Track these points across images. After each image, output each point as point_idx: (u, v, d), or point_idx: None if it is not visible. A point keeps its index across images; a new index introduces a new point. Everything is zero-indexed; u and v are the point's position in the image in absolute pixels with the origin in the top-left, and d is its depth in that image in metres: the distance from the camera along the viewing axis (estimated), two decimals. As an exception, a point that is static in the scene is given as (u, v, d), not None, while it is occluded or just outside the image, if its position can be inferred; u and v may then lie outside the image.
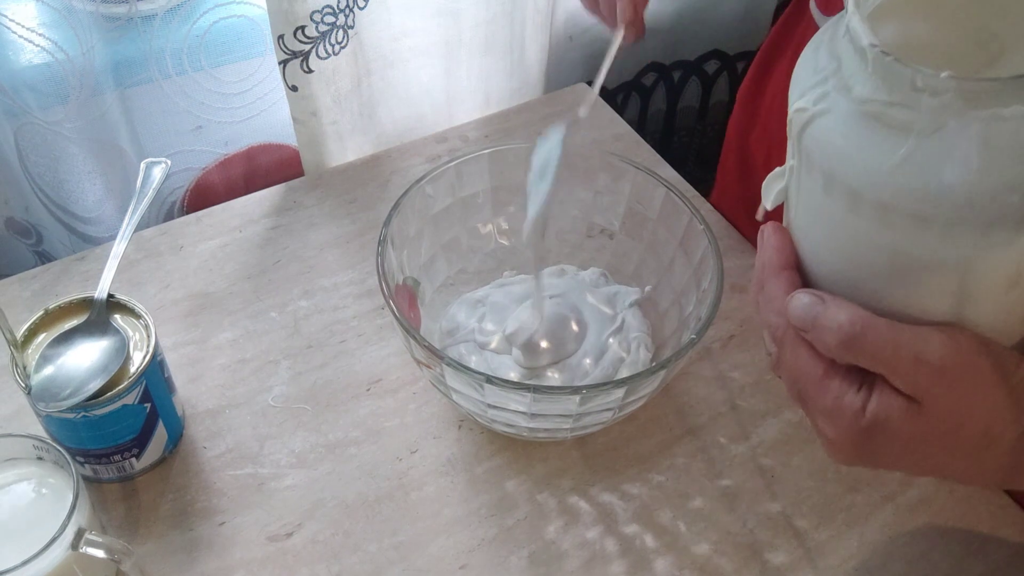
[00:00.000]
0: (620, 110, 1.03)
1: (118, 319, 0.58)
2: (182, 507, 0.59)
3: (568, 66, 0.97)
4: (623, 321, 0.63)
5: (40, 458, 0.52)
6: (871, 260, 0.36)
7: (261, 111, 0.82)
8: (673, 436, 0.63)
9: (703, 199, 0.80)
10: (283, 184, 0.81)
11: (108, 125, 0.74)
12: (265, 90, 0.81)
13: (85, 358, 0.55)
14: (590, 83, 0.94)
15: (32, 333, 0.56)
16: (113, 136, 0.75)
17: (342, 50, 0.75)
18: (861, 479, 0.61)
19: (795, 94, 0.37)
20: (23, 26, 0.65)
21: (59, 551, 0.48)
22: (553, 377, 0.61)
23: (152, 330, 0.56)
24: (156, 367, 0.56)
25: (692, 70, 1.08)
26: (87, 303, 0.57)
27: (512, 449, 0.62)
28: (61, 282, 0.71)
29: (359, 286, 0.72)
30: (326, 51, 0.74)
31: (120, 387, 0.54)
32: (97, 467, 0.58)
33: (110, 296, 0.58)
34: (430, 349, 0.53)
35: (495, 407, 0.55)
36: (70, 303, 0.57)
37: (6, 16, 0.65)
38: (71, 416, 0.53)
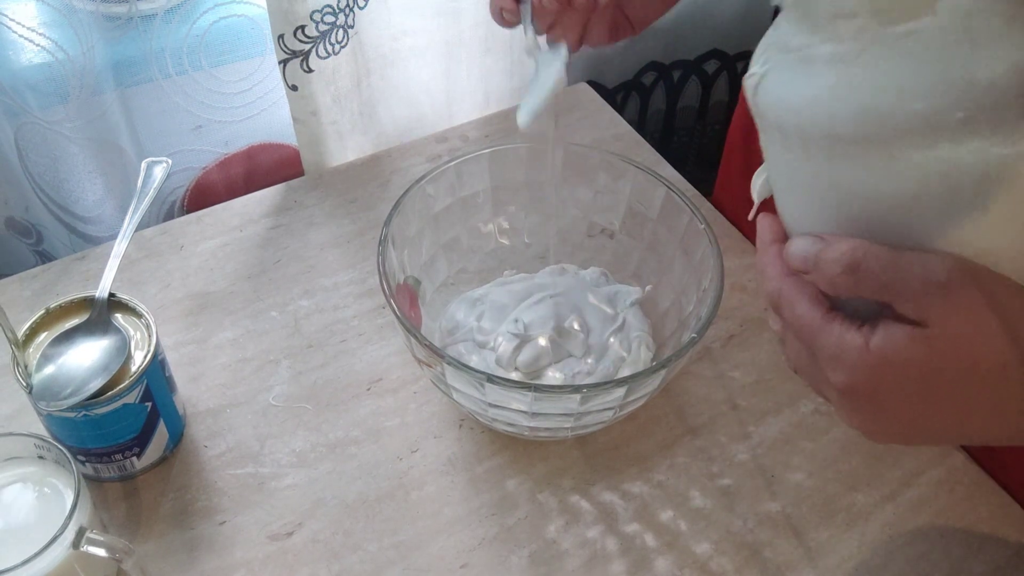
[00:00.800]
0: (620, 110, 1.03)
1: (119, 318, 0.58)
2: (183, 506, 0.59)
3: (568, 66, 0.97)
4: (624, 320, 0.64)
5: (41, 457, 0.52)
6: (840, 204, 0.36)
7: (261, 111, 0.82)
8: (673, 436, 0.63)
9: (703, 198, 0.80)
10: (283, 184, 0.81)
11: (108, 125, 0.74)
12: (265, 90, 0.81)
13: (86, 357, 0.55)
14: (590, 83, 0.94)
15: (33, 332, 0.56)
16: (113, 136, 0.75)
17: (342, 50, 0.75)
18: (861, 479, 0.61)
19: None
20: (23, 25, 0.65)
21: (60, 550, 0.48)
22: (554, 376, 0.61)
23: (153, 329, 0.56)
24: (157, 366, 0.56)
25: (692, 70, 1.08)
26: (88, 302, 0.57)
27: (513, 448, 0.62)
28: (62, 281, 0.71)
29: (359, 286, 0.72)
30: (326, 51, 0.74)
31: (121, 386, 0.54)
32: (98, 466, 0.58)
33: (111, 295, 0.58)
34: (431, 348, 0.53)
35: (496, 406, 0.55)
36: (71, 302, 0.57)
37: (6, 16, 0.65)
38: (72, 415, 0.53)
